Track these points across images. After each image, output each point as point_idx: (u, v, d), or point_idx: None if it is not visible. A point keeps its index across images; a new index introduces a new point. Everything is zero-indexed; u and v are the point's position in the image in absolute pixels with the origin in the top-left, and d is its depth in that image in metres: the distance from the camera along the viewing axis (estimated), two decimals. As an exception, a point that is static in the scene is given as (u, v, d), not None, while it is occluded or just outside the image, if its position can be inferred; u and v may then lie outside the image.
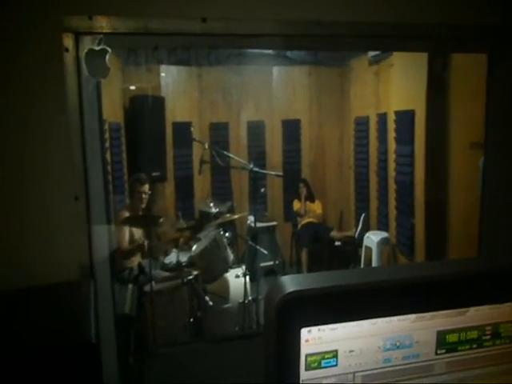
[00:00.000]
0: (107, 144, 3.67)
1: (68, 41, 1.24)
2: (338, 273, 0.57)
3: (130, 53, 4.49)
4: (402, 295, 0.52)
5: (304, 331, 0.51)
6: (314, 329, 0.51)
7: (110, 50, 1.31)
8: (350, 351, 0.53)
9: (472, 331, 0.55)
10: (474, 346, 0.55)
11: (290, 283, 0.52)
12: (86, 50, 1.27)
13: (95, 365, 1.08)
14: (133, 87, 4.35)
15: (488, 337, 0.55)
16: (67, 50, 1.24)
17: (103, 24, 1.27)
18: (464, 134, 2.87)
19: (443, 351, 0.55)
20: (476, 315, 0.54)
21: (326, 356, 0.52)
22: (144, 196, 3.34)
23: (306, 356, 0.52)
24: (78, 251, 1.28)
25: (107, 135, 3.68)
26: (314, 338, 0.52)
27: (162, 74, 4.58)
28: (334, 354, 0.53)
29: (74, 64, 1.26)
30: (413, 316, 0.53)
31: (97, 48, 1.28)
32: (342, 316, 0.52)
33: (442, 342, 0.55)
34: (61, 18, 1.22)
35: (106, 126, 3.62)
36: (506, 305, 0.55)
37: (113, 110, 3.92)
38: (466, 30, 1.47)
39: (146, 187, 3.36)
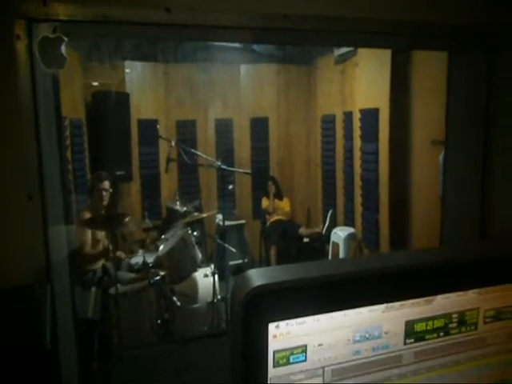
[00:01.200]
0: (68, 141, 3.52)
1: (20, 28, 1.16)
2: (305, 265, 0.55)
3: (93, 48, 4.33)
4: (372, 285, 0.51)
5: (271, 326, 0.49)
6: (282, 323, 0.49)
7: (66, 38, 1.24)
8: (319, 345, 0.52)
9: (439, 319, 0.55)
10: (441, 334, 0.55)
11: (256, 277, 0.50)
12: (39, 38, 1.19)
13: (51, 371, 1.02)
14: (95, 83, 4.20)
15: (454, 324, 0.56)
16: (19, 37, 1.15)
17: (59, 11, 1.19)
18: (425, 132, 2.96)
19: (411, 341, 0.55)
20: (443, 303, 0.54)
21: (295, 351, 0.50)
22: (104, 193, 3.22)
23: (274, 352, 0.50)
24: (33, 253, 1.20)
25: (68, 132, 3.52)
26: (281, 334, 0.50)
27: (127, 70, 4.45)
28: (303, 348, 0.51)
29: (27, 53, 1.18)
30: (382, 306, 0.52)
31: (51, 36, 1.21)
32: (311, 309, 0.50)
33: (411, 331, 0.54)
34: (12, 2, 1.13)
35: (67, 123, 3.47)
36: (471, 292, 0.55)
37: (74, 107, 3.76)
38: (427, 27, 1.50)
39: (106, 184, 3.24)
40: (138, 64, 4.58)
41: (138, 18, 1.29)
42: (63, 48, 1.25)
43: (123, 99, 4.24)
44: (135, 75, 4.53)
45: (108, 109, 4.05)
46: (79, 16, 1.24)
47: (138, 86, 4.53)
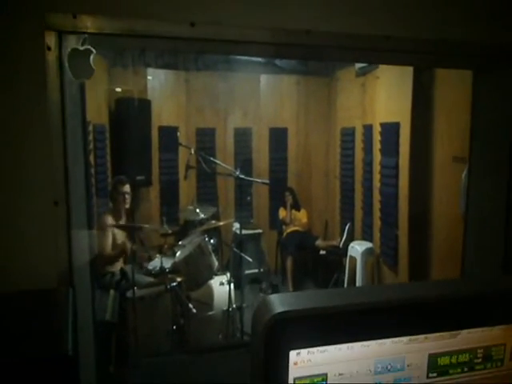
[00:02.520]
0: (91, 146, 3.60)
1: (50, 39, 1.20)
2: (327, 292, 0.54)
3: (117, 55, 4.44)
4: (396, 317, 0.50)
5: (293, 353, 0.48)
6: (304, 351, 0.49)
7: (94, 50, 1.27)
8: (340, 374, 0.51)
9: (464, 354, 0.53)
10: (466, 369, 0.54)
11: (278, 303, 0.50)
12: (69, 50, 1.23)
13: (72, 377, 1.03)
14: (119, 89, 4.29)
15: (479, 360, 0.54)
16: (49, 48, 1.19)
17: (88, 23, 1.23)
18: (447, 148, 2.91)
19: (435, 374, 0.53)
20: (468, 338, 0.53)
21: (316, 380, 0.50)
22: (126, 197, 3.29)
23: (295, 380, 0.49)
24: (57, 258, 1.23)
25: (91, 137, 3.60)
26: (303, 361, 0.49)
27: (149, 77, 4.53)
28: (324, 377, 0.50)
29: (57, 63, 1.21)
30: (406, 338, 0.51)
31: (81, 48, 1.24)
32: (333, 338, 0.49)
33: (434, 365, 0.53)
34: (44, 15, 1.18)
35: (91, 128, 3.55)
36: (497, 328, 0.54)
37: (98, 112, 3.85)
38: (451, 46, 1.49)
39: (127, 187, 3.31)
40: (160, 71, 4.66)
41: (163, 31, 1.32)
42: (91, 59, 1.29)
43: (145, 106, 4.32)
44: (157, 82, 4.61)
45: (130, 115, 4.13)
46: (107, 29, 1.28)
47: (159, 92, 4.60)
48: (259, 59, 4.57)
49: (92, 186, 3.35)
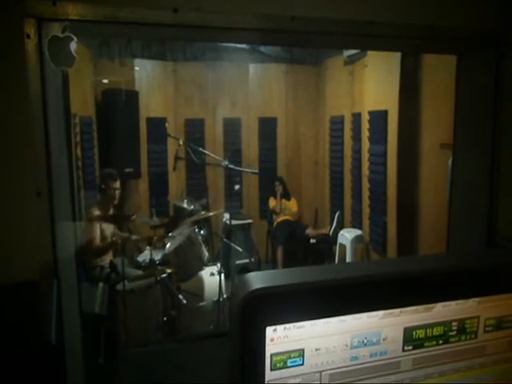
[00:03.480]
0: (78, 139, 3.55)
1: (30, 27, 1.18)
2: (305, 269, 0.55)
3: (103, 45, 4.37)
4: (372, 291, 0.51)
5: (269, 330, 0.49)
6: (280, 327, 0.49)
7: (75, 38, 1.25)
8: (317, 350, 0.52)
9: (438, 327, 0.54)
10: (441, 341, 0.55)
11: (255, 280, 0.50)
12: (49, 37, 1.21)
13: (57, 366, 1.03)
14: (105, 81, 4.24)
15: (454, 332, 0.55)
16: (28, 36, 1.17)
17: (68, 10, 1.21)
18: (435, 135, 2.94)
19: (410, 347, 0.54)
20: (442, 311, 0.54)
21: (292, 355, 0.51)
22: (116, 192, 3.27)
23: (272, 356, 0.50)
24: (40, 249, 1.22)
25: (78, 129, 3.56)
26: (279, 337, 0.50)
27: (136, 68, 4.48)
28: (301, 353, 0.51)
29: (36, 51, 1.19)
30: (381, 313, 0.52)
31: (61, 35, 1.22)
32: (309, 314, 0.50)
33: (409, 338, 0.54)
34: (23, 2, 1.15)
35: (77, 120, 3.50)
36: (471, 300, 0.55)
37: (84, 104, 3.80)
38: (436, 31, 1.49)
39: (118, 183, 3.29)
40: (148, 62, 4.60)
41: (146, 18, 1.30)
42: (73, 47, 1.26)
43: (133, 97, 4.28)
44: (144, 73, 4.56)
45: (118, 107, 4.08)
46: (88, 16, 1.26)
47: (147, 84, 4.56)
48: (245, 47, 4.54)
49: (79, 178, 3.32)
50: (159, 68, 4.72)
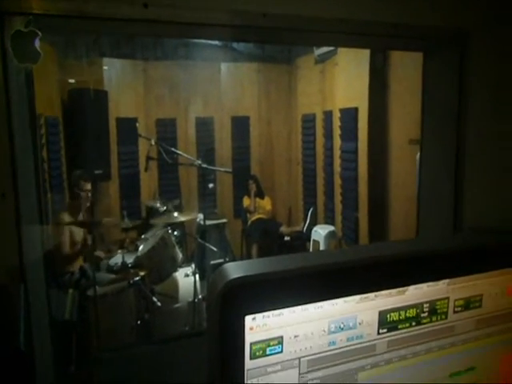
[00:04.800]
0: (44, 140, 3.43)
1: (-9, 21, 1.13)
2: (281, 258, 0.55)
3: (69, 44, 4.24)
4: (346, 277, 0.52)
5: (248, 318, 0.49)
6: (259, 316, 0.50)
7: (40, 33, 1.20)
8: (295, 336, 0.52)
9: (411, 309, 0.56)
10: (413, 323, 0.57)
11: (233, 270, 0.50)
12: (12, 32, 1.16)
13: (26, 373, 0.99)
14: (72, 80, 4.11)
15: (426, 314, 0.57)
16: (-11, 30, 1.12)
17: (32, 4, 1.16)
18: (403, 131, 3.03)
19: (385, 330, 0.56)
20: (415, 294, 0.56)
21: (271, 343, 0.51)
22: (88, 194, 3.17)
23: (251, 344, 0.50)
24: (5, 253, 1.17)
25: (43, 130, 3.43)
26: (258, 326, 0.50)
27: (105, 68, 4.37)
28: (279, 340, 0.51)
29: (-1, 46, 1.14)
30: (357, 297, 0.53)
31: (25, 30, 1.17)
32: (287, 301, 0.51)
33: (384, 321, 0.55)
34: (-18, -6, 1.10)
35: (42, 121, 3.38)
36: (441, 282, 0.57)
37: (49, 104, 3.67)
38: (401, 29, 1.53)
39: (88, 185, 3.20)
40: (117, 61, 4.50)
41: (115, 13, 1.27)
42: (37, 43, 1.22)
43: (101, 97, 4.17)
44: (113, 72, 4.45)
45: (85, 107, 3.97)
46: (54, 10, 1.21)
47: (116, 83, 4.46)
48: (217, 43, 4.52)
49: (45, 181, 3.21)
50: (129, 67, 4.63)
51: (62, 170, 3.83)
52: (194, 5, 1.33)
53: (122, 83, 4.55)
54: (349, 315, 0.54)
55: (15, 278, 1.17)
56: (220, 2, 1.35)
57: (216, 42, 4.42)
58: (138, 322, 2.94)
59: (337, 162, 3.99)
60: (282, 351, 0.52)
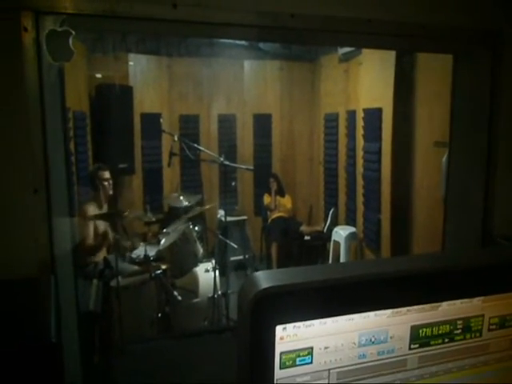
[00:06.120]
0: (71, 134, 3.51)
1: (27, 20, 1.16)
2: (313, 268, 0.55)
3: (97, 40, 4.31)
4: (379, 290, 0.52)
5: (279, 328, 0.49)
6: (289, 326, 0.50)
7: (73, 32, 1.23)
8: (326, 348, 0.52)
9: (444, 325, 0.55)
10: (446, 340, 0.56)
11: (264, 279, 0.50)
12: (47, 31, 1.19)
13: (56, 364, 1.02)
14: (99, 75, 4.19)
15: (459, 331, 0.56)
16: (26, 29, 1.15)
17: (66, 4, 1.19)
18: (429, 133, 2.96)
19: (416, 346, 0.55)
20: (448, 310, 0.55)
21: (301, 354, 0.51)
22: (107, 183, 3.25)
23: (281, 354, 0.50)
24: (38, 246, 1.21)
25: (71, 124, 3.52)
26: (288, 336, 0.50)
27: (131, 63, 4.43)
28: (309, 351, 0.51)
29: (34, 45, 1.17)
30: (389, 311, 0.52)
31: (59, 29, 1.20)
32: (318, 312, 0.50)
33: (416, 336, 0.55)
34: (20, -5, 1.13)
35: (70, 115, 3.46)
36: (476, 299, 0.56)
37: (77, 99, 3.76)
38: (432, 30, 1.50)
39: (107, 173, 3.27)
40: (142, 57, 4.56)
41: (145, 13, 1.29)
42: (70, 41, 1.25)
43: (127, 92, 4.24)
44: (139, 68, 4.51)
45: (111, 102, 4.04)
46: (86, 10, 1.24)
47: (141, 79, 4.52)
48: (243, 43, 4.52)
49: (73, 174, 3.29)
50: (154, 63, 4.68)
51: (89, 162, 3.92)
52: (221, 5, 1.34)
53: (146, 79, 4.61)
54: (380, 329, 0.53)
55: (46, 271, 1.21)
56: (248, 2, 1.35)
57: (241, 42, 4.42)
58: (159, 315, 2.99)
59: (359, 162, 3.94)
60: (311, 362, 0.52)
